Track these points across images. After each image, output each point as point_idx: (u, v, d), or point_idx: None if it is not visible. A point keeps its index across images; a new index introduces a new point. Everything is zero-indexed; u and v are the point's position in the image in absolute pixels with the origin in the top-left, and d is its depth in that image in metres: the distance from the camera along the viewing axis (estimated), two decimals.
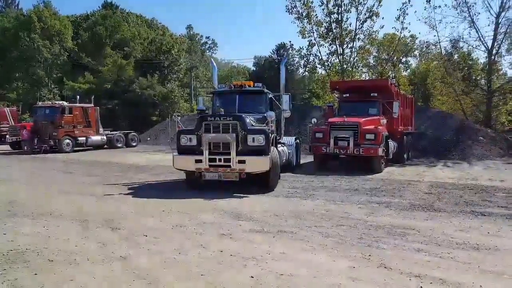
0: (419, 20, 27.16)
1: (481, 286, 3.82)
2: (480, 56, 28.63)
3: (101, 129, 23.43)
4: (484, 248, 5.00)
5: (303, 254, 4.75)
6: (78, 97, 24.43)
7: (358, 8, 27.01)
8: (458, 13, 25.70)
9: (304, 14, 27.89)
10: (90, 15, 47.47)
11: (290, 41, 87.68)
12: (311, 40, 28.40)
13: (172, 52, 41.39)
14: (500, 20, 24.72)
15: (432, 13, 26.48)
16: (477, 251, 4.88)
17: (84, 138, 21.90)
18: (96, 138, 22.69)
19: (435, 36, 27.21)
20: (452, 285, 3.83)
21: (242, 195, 8.71)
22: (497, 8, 24.63)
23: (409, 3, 26.35)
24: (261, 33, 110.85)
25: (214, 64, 13.55)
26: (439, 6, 26.22)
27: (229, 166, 8.69)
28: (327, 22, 27.82)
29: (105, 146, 23.65)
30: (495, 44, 25.52)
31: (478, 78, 28.42)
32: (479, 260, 4.55)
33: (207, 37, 69.33)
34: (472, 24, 25.67)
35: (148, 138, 29.00)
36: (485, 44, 26.03)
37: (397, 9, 27.09)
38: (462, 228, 5.99)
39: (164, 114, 35.51)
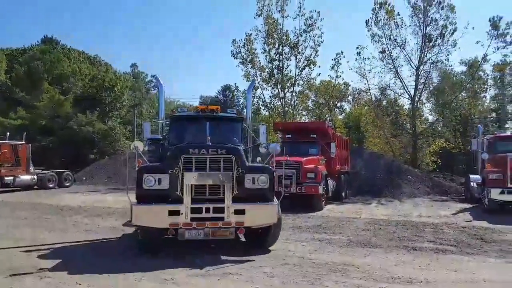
0: (351, 69, 29.42)
1: None
2: (405, 102, 31.56)
3: (31, 168, 21.76)
4: (416, 281, 5.42)
5: None
6: (8, 133, 22.68)
7: (297, 57, 28.97)
8: (384, 64, 28.59)
9: (248, 59, 29.25)
10: (27, 49, 45.26)
11: (235, 84, 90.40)
12: (255, 85, 29.63)
13: (115, 89, 40.44)
14: (419, 72, 27.90)
15: (362, 64, 28.98)
16: (411, 285, 5.28)
17: (11, 178, 20.15)
18: (25, 177, 20.94)
19: (365, 84, 29.64)
20: None
21: (235, 258, 6.49)
22: (417, 61, 27.85)
23: (342, 54, 28.97)
24: (207, 74, 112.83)
25: (161, 81, 9.98)
26: (368, 58, 28.54)
27: (222, 219, 6.39)
28: (269, 68, 29.37)
29: (35, 187, 21.90)
30: (417, 92, 28.57)
31: (404, 122, 31.22)
32: None
33: (152, 76, 69.08)
34: (396, 75, 28.64)
35: (84, 178, 27.41)
36: (408, 93, 29.02)
37: (332, 59, 29.47)
38: (396, 263, 6.45)
39: (104, 151, 34.02)
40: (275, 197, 7.06)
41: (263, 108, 31.85)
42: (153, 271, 5.74)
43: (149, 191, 6.49)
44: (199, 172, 6.46)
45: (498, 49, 26.82)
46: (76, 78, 40.57)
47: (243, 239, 7.41)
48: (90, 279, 5.41)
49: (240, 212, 6.47)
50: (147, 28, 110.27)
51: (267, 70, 29.42)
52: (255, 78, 28.78)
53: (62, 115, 34.40)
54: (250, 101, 10.26)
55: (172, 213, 6.30)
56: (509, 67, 33.30)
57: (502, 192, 12.15)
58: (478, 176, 15.26)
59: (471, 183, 15.76)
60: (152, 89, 66.93)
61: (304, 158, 13.57)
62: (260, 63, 29.52)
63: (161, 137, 8.49)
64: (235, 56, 29.52)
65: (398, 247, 7.59)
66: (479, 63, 28.90)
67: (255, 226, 6.77)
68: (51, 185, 22.52)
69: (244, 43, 29.10)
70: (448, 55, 27.34)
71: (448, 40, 26.66)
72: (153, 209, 6.42)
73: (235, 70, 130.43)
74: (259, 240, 7.20)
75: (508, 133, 16.05)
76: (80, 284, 5.20)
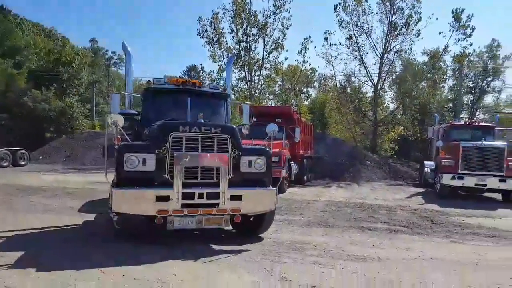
0: (318, 55, 29.77)
1: None
2: (368, 90, 32.47)
3: None
4: (370, 259, 5.68)
5: (211, 274, 4.84)
6: None
7: (265, 39, 28.82)
8: (350, 51, 29.13)
9: (215, 39, 28.72)
10: None
11: (201, 64, 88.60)
12: (222, 65, 29.24)
13: (73, 65, 38.49)
14: (383, 60, 28.68)
15: (329, 50, 29.39)
16: (364, 262, 5.53)
17: None
18: None
19: (331, 70, 30.26)
20: None
21: (227, 247, 5.92)
22: (381, 50, 28.57)
23: (309, 39, 29.15)
24: (172, 53, 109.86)
25: (128, 49, 8.63)
26: (335, 44, 28.92)
27: (216, 205, 5.78)
28: (236, 49, 29.01)
29: None
30: (380, 80, 29.42)
31: (366, 110, 32.16)
32: (364, 269, 5.17)
33: (113, 52, 66.32)
34: (361, 62, 29.29)
35: (40, 157, 26.22)
36: (371, 80, 29.82)
37: (299, 44, 29.58)
38: (352, 242, 6.71)
39: (61, 130, 32.54)
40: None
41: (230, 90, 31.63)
42: (141, 265, 4.95)
43: (132, 173, 5.59)
44: (192, 153, 5.72)
45: (458, 40, 27.97)
46: (30, 51, 38.21)
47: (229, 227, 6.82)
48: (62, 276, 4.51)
49: (237, 198, 5.86)
50: (108, 3, 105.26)
51: (234, 51, 29.07)
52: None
53: (15, 91, 32.43)
54: (230, 77, 9.19)
55: (160, 198, 5.51)
56: (467, 59, 34.95)
57: (453, 178, 12.89)
58: (432, 163, 16.10)
59: (426, 169, 16.59)
60: (113, 65, 64.50)
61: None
62: (227, 43, 29.17)
63: (136, 112, 7.38)
64: (201, 35, 28.93)
65: (354, 227, 7.90)
66: (440, 54, 30.06)
67: (252, 213, 6.21)
68: (4, 164, 21.45)
69: (211, 21, 28.53)
70: (411, 44, 28.22)
71: (413, 29, 27.52)
72: (138, 194, 5.49)
73: (201, 50, 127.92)
74: (249, 228, 6.64)
75: (462, 122, 16.88)
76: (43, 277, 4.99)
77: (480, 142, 13.12)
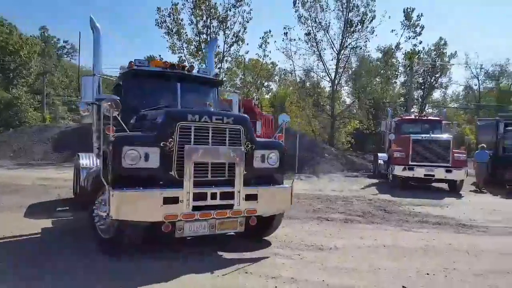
0: (278, 49, 30.08)
1: (323, 280, 4.55)
2: (326, 85, 33.32)
3: None
4: (326, 248, 5.92)
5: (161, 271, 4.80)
6: None
7: (226, 32, 28.63)
8: (309, 47, 29.70)
9: (174, 30, 28.10)
10: None
11: (160, 55, 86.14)
12: (181, 56, 28.72)
13: (21, 54, 36.15)
14: (340, 56, 29.54)
15: (289, 45, 29.78)
16: (321, 251, 5.75)
17: None
18: None
19: (291, 65, 30.67)
20: (301, 282, 4.45)
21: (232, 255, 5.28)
22: (338, 46, 29.38)
23: (270, 33, 29.32)
24: (129, 43, 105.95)
25: (97, 24, 6.87)
26: (294, 39, 29.37)
27: (231, 207, 5.04)
28: (196, 41, 28.61)
29: None
30: (337, 76, 30.29)
31: (324, 104, 33.04)
32: (322, 258, 5.38)
33: (65, 41, 62.79)
34: (319, 58, 29.99)
35: None
36: (329, 76, 30.65)
37: (260, 38, 29.73)
38: (310, 232, 6.94)
39: (8, 123, 30.56)
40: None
41: None
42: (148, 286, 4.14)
43: (131, 171, 4.64)
44: (205, 147, 4.96)
45: (409, 38, 29.41)
46: None
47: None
48: None
49: (252, 197, 5.18)
50: None
51: (194, 43, 28.65)
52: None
53: None
54: (213, 63, 8.34)
55: (168, 201, 4.62)
56: (417, 56, 36.83)
57: (404, 169, 13.62)
58: (385, 155, 16.89)
59: (379, 161, 17.39)
60: (66, 55, 61.15)
61: None
62: (187, 35, 28.63)
63: (119, 98, 5.74)
64: (159, 25, 28.17)
65: (313, 218, 8.17)
66: (393, 51, 31.45)
67: (267, 214, 5.53)
68: None
69: (170, 12, 27.87)
70: (366, 41, 29.27)
71: (367, 27, 28.51)
72: (142, 196, 4.54)
73: (160, 40, 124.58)
74: (255, 230, 5.75)
75: (412, 117, 17.83)
76: None
77: (428, 135, 13.94)
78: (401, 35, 28.87)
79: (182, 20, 28.20)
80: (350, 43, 29.31)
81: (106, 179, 4.57)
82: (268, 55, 30.41)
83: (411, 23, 28.75)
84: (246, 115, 5.78)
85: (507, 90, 44.96)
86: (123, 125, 4.84)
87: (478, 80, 46.64)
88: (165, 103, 6.09)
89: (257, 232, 5.98)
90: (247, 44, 30.03)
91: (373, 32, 28.57)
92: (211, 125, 4.99)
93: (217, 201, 4.93)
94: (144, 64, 6.44)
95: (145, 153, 4.68)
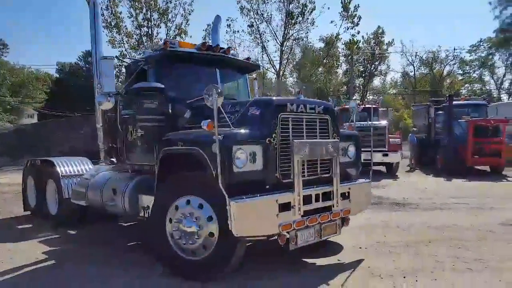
0: (222, 41, 29.97)
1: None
2: (272, 76, 33.89)
3: None
4: None
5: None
6: None
7: (167, 25, 28.05)
8: (252, 38, 29.98)
9: (112, 23, 27.01)
10: None
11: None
12: (122, 50, 27.74)
13: None
14: (284, 48, 30.15)
15: (233, 37, 29.86)
16: None
17: None
18: None
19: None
20: None
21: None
22: (281, 37, 29.95)
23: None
24: (64, 38, 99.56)
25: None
26: (238, 31, 29.50)
27: (330, 209, 4.48)
28: (137, 35, 27.77)
29: None
30: (281, 67, 30.92)
31: (270, 95, 33.58)
32: None
33: None
34: (263, 50, 30.41)
35: None
36: (274, 67, 31.19)
37: (203, 30, 29.49)
38: None
39: None
40: None
41: None
42: None
43: (241, 175, 3.85)
44: (312, 141, 4.38)
45: (347, 29, 30.65)
46: None
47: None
48: None
49: (346, 196, 4.73)
50: None
51: (135, 37, 27.78)
52: (122, 45, 26.80)
53: None
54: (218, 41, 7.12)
55: (282, 207, 3.95)
56: (356, 45, 38.52)
57: None
58: None
59: None
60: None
61: None
62: (126, 28, 27.65)
63: (160, 86, 4.89)
64: None
65: None
66: (333, 41, 32.64)
67: (356, 213, 4.99)
68: None
69: (108, 5, 26.72)
70: (307, 32, 30.13)
71: (308, 18, 29.32)
72: (262, 204, 3.83)
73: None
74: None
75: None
76: None
77: (366, 122, 14.78)
78: (340, 25, 30.05)
79: (121, 13, 27.23)
80: (292, 34, 30.04)
81: (220, 189, 3.58)
82: None
83: (348, 14, 29.97)
84: (329, 102, 5.37)
85: (440, 75, 48.50)
86: (226, 118, 3.93)
87: (414, 67, 49.73)
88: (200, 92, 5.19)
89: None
90: (191, 37, 29.71)
91: (313, 24, 29.48)
92: (305, 115, 4.45)
93: (320, 203, 4.39)
94: (175, 45, 5.30)
95: (252, 153, 3.96)
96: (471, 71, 48.18)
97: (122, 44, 27.52)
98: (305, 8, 28.89)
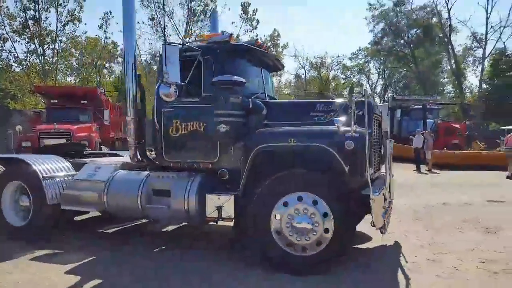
0: (121, 31, 28.81)
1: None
2: None
3: None
4: None
5: None
6: None
7: (58, 10, 25.93)
8: (154, 32, 29.56)
9: None
10: None
11: None
12: (3, 34, 24.77)
13: None
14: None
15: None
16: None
17: None
18: None
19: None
20: None
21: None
22: (184, 33, 30.15)
23: (110, 14, 27.98)
24: None
25: None
26: (138, 23, 28.74)
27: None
28: (22, 17, 25.08)
29: None
30: None
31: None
32: None
33: None
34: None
35: None
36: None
37: (100, 18, 28.04)
38: None
39: None
40: None
41: (16, 65, 27.18)
42: None
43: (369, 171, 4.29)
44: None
45: (247, 31, 32.26)
46: None
47: None
48: None
49: None
50: None
51: (19, 19, 25.04)
52: (3, 28, 23.92)
53: None
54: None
55: None
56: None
57: None
58: None
59: None
60: None
61: (75, 126, 13.11)
62: (8, 9, 24.74)
63: (243, 81, 4.64)
64: None
65: None
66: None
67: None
68: None
69: None
70: (209, 31, 30.85)
71: (209, 17, 29.99)
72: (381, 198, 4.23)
73: None
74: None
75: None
76: None
77: None
78: (240, 27, 31.47)
79: None
80: (195, 31, 30.41)
81: (339, 186, 4.01)
82: (110, 37, 28.87)
83: (247, 17, 31.55)
84: None
85: (326, 78, 53.66)
86: (353, 117, 3.96)
87: (305, 70, 54.09)
88: (256, 88, 5.15)
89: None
90: (85, 24, 27.96)
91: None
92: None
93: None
94: (227, 35, 5.04)
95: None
96: (351, 75, 54.42)
97: (3, 27, 24.57)
98: (207, 7, 29.55)
